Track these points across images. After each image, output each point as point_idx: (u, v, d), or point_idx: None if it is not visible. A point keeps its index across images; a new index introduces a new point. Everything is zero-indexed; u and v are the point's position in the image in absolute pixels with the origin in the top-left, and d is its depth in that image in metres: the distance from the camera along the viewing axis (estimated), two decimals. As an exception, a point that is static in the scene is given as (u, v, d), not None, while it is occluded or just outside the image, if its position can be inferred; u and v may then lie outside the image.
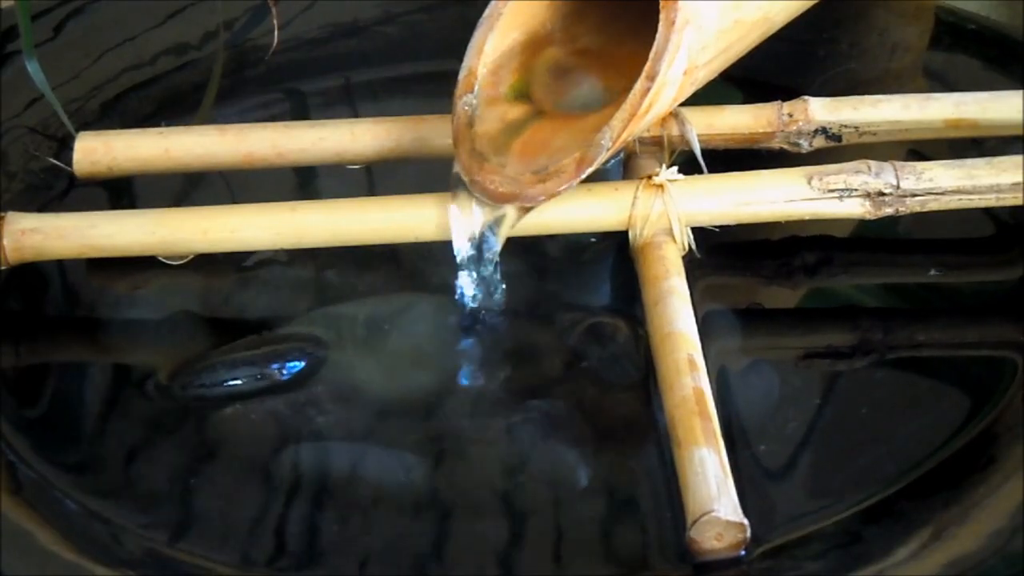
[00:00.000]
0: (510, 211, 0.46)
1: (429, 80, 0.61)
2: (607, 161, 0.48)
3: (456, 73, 0.48)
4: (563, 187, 0.45)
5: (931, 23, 0.63)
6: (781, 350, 0.50)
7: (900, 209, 0.49)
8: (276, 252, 0.52)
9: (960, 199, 0.49)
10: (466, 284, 0.48)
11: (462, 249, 0.47)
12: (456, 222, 0.47)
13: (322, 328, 0.49)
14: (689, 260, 0.49)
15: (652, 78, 0.44)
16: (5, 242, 0.48)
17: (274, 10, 0.60)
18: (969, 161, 0.49)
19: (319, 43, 0.64)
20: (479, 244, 0.47)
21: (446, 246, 0.48)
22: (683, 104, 0.49)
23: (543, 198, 0.45)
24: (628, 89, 0.45)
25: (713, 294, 0.50)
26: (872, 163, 0.49)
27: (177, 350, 0.49)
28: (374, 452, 0.45)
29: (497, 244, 0.47)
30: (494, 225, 0.47)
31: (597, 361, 0.48)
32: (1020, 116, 0.51)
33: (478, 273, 0.48)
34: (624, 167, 0.53)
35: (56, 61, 0.57)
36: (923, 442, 0.45)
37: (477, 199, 0.46)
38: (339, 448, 0.46)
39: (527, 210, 0.46)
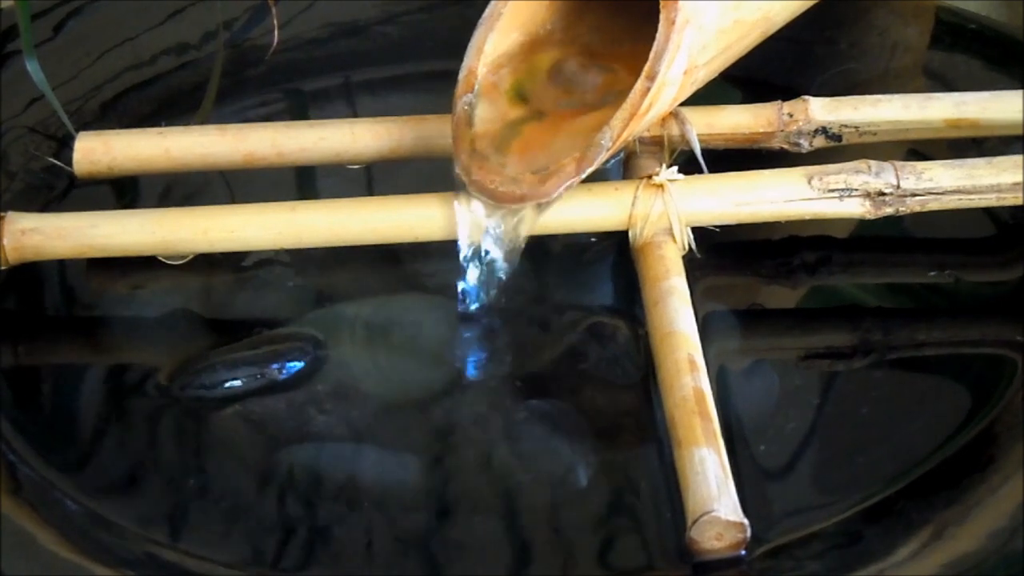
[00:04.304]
0: (529, 211, 0.46)
1: (429, 80, 0.61)
2: (607, 161, 0.48)
3: (456, 73, 0.48)
4: (563, 187, 0.45)
5: (931, 23, 0.63)
6: (781, 350, 0.50)
7: (900, 209, 0.49)
8: (276, 252, 0.52)
9: (960, 199, 0.49)
10: (470, 285, 0.48)
11: (467, 251, 0.47)
12: (462, 224, 0.47)
13: (322, 328, 0.49)
14: (689, 260, 0.49)
15: (652, 78, 0.44)
16: (5, 242, 0.48)
17: (274, 10, 0.60)
18: (969, 161, 0.49)
19: (319, 43, 0.64)
20: (483, 246, 0.47)
21: (446, 246, 0.48)
22: (683, 104, 0.49)
23: (543, 198, 0.45)
24: (628, 89, 0.45)
25: (713, 294, 0.50)
26: (872, 163, 0.49)
27: (177, 350, 0.49)
28: (374, 452, 0.45)
29: (503, 246, 0.47)
30: (498, 227, 0.47)
31: (597, 361, 0.48)
32: (1020, 116, 0.51)
33: (482, 274, 0.48)
34: (624, 167, 0.53)
35: (56, 61, 0.57)
36: (923, 442, 0.45)
37: (479, 199, 0.46)
38: (339, 448, 0.46)
39: (544, 207, 0.46)
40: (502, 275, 0.48)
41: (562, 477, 0.44)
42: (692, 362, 0.44)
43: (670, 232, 0.49)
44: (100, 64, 0.61)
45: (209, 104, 0.57)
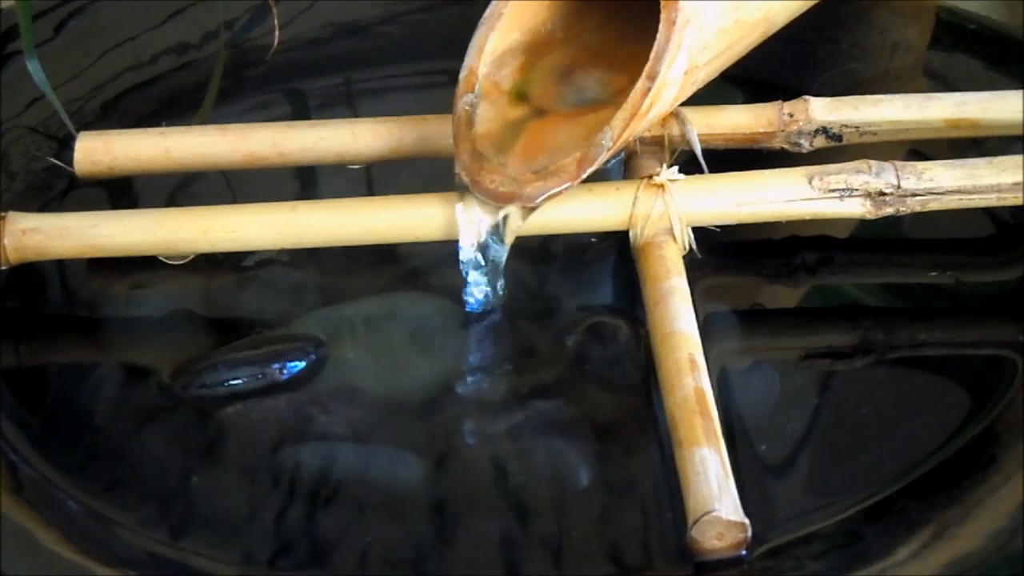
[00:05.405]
0: (513, 212, 0.46)
1: (430, 80, 0.61)
2: (608, 161, 0.48)
3: (457, 73, 0.48)
4: (564, 187, 0.45)
5: (931, 23, 0.63)
6: (782, 350, 0.50)
7: (901, 209, 0.49)
8: (276, 252, 0.52)
9: (961, 199, 0.49)
10: (472, 285, 0.48)
11: (468, 251, 0.47)
12: (463, 224, 0.47)
13: (323, 328, 0.49)
14: (690, 260, 0.49)
15: (653, 78, 0.44)
16: (6, 242, 0.48)
17: (275, 10, 0.60)
18: (970, 161, 0.49)
19: (320, 43, 0.64)
20: (485, 246, 0.47)
21: (446, 246, 0.48)
22: (684, 104, 0.49)
23: (544, 198, 0.46)
24: (629, 89, 0.45)
25: (714, 294, 0.50)
26: (873, 163, 0.49)
27: (178, 350, 0.49)
28: (374, 451, 0.45)
29: (504, 246, 0.47)
30: (499, 227, 0.47)
31: (598, 361, 0.48)
32: (1020, 116, 0.51)
33: (483, 274, 0.48)
34: (625, 167, 0.53)
35: (57, 61, 0.57)
36: (923, 442, 0.45)
37: (479, 200, 0.46)
38: (340, 447, 0.46)
39: (531, 210, 0.46)
40: (502, 276, 0.48)
41: (563, 477, 0.44)
42: (693, 362, 0.44)
43: (671, 232, 0.49)
44: (101, 64, 0.61)
45: (210, 104, 0.57)
